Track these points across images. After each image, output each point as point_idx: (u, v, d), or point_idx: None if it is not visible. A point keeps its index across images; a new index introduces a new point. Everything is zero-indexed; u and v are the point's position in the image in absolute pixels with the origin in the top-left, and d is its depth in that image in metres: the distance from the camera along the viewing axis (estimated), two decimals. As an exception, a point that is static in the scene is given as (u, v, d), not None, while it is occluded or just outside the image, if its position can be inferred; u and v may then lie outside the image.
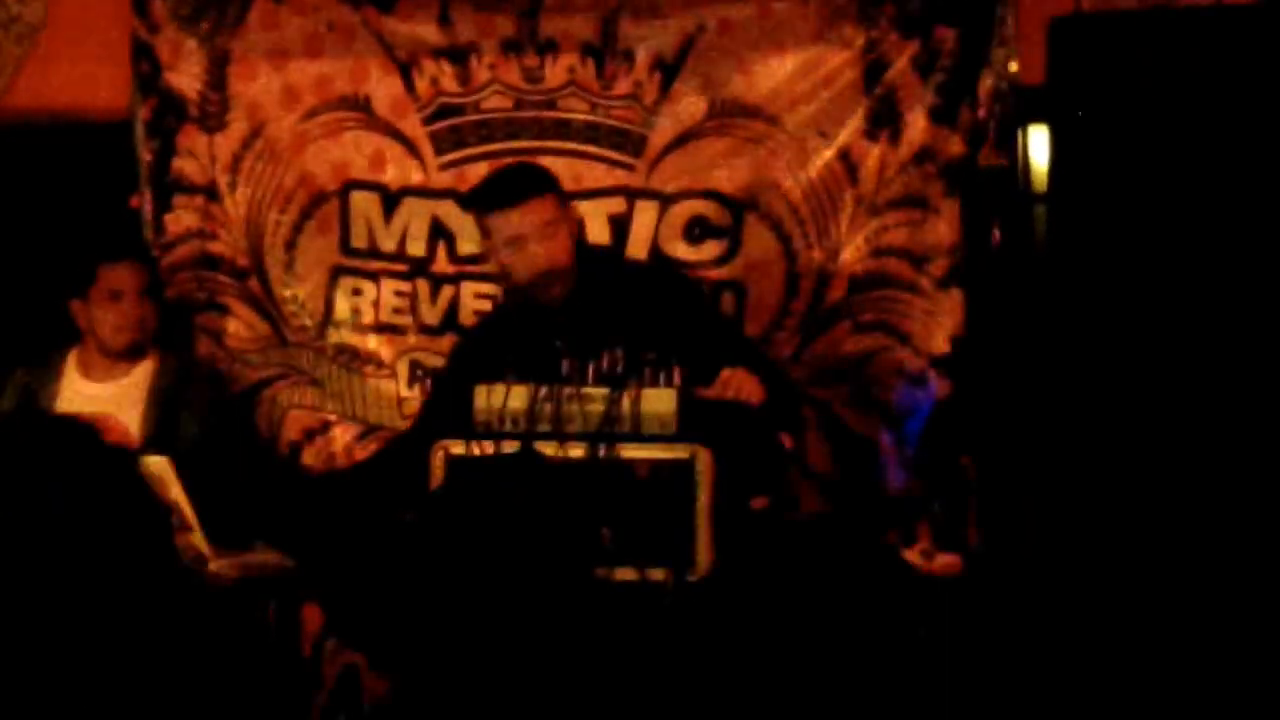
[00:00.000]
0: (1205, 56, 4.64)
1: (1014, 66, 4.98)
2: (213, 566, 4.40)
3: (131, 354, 4.93)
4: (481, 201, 4.55)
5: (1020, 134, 5.08)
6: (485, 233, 4.52)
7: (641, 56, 5.17)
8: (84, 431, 4.36)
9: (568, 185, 5.09)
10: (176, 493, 4.35)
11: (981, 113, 4.99)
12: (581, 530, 3.98)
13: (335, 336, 5.38)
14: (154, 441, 4.72)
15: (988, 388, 4.96)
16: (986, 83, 4.99)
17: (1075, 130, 4.82)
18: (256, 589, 4.60)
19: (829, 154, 5.06)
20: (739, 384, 4.18)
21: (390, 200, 5.34)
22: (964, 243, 5.00)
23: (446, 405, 4.41)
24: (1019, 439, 4.88)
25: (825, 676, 4.19)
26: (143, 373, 4.93)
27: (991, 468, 4.91)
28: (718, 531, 4.00)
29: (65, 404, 4.88)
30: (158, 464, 4.38)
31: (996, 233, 4.99)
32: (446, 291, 5.31)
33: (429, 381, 5.24)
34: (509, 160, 5.11)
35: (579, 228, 4.55)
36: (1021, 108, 5.01)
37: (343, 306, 5.38)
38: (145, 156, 5.45)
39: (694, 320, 4.47)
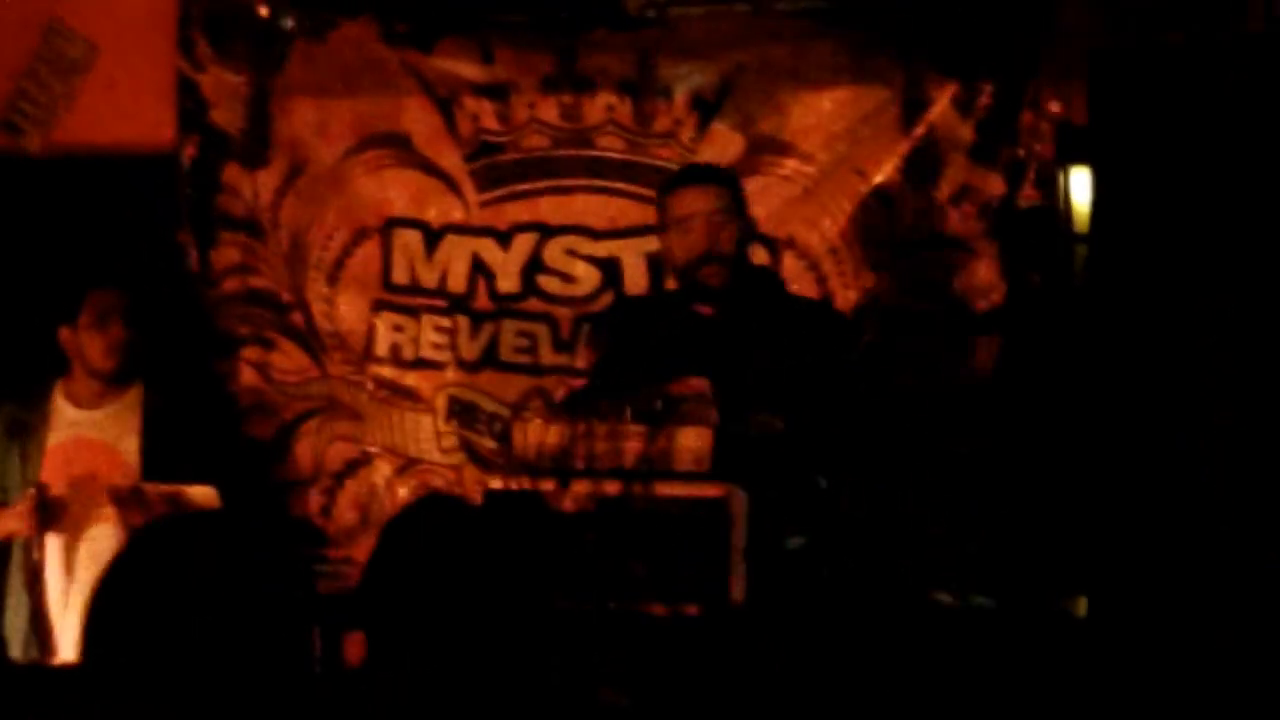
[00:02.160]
0: (1247, 89, 4.61)
1: (1055, 106, 4.97)
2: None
3: (118, 379, 4.91)
4: (666, 183, 4.58)
5: (1061, 174, 5.05)
6: (662, 216, 4.51)
7: (680, 94, 5.19)
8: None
9: (604, 224, 5.17)
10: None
11: (1021, 152, 4.98)
12: (615, 566, 3.98)
13: (375, 371, 5.41)
14: (152, 469, 4.77)
15: (1025, 428, 4.93)
16: (1027, 122, 4.98)
17: (1117, 169, 4.80)
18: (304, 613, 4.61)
19: (866, 192, 5.07)
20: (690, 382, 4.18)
21: (432, 237, 5.37)
22: (1003, 283, 4.98)
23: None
24: (1057, 479, 4.85)
25: (855, 715, 4.19)
26: (132, 400, 4.93)
27: (1028, 508, 4.88)
28: (751, 570, 3.98)
29: (57, 434, 4.89)
30: (204, 495, 4.42)
31: (1036, 273, 4.97)
32: (487, 328, 5.33)
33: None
34: (548, 198, 5.14)
35: (748, 234, 4.49)
36: (1063, 146, 4.98)
37: (383, 341, 5.41)
38: (189, 193, 5.50)
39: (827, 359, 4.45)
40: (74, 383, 4.96)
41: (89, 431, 4.85)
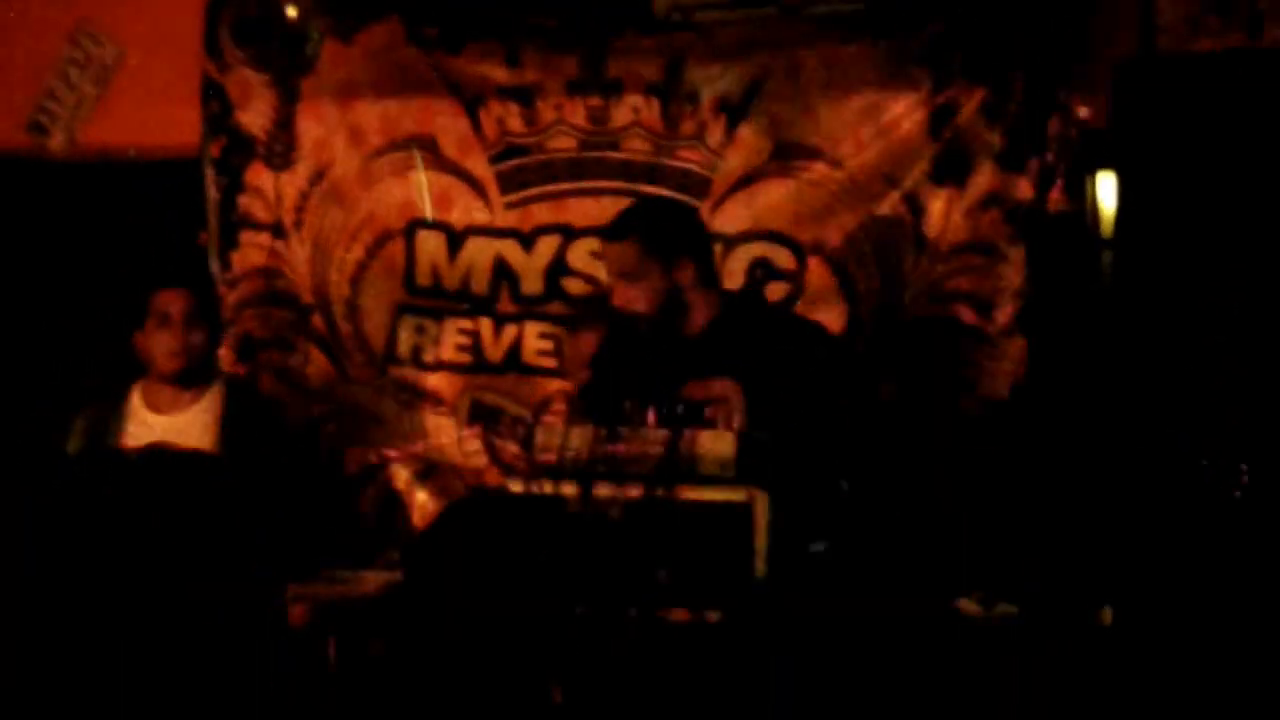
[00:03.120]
0: (1270, 98, 4.60)
1: (1083, 112, 4.94)
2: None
3: (188, 380, 4.91)
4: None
5: (1088, 180, 5.02)
6: None
7: (707, 98, 5.18)
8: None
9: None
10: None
11: (1050, 158, 4.95)
12: (638, 571, 3.96)
13: (397, 373, 5.40)
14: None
15: (1052, 434, 4.90)
16: (1054, 128, 4.95)
17: (1142, 175, 4.78)
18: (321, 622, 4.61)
19: (894, 197, 5.05)
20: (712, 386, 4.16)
21: (455, 239, 5.36)
22: (1030, 288, 4.96)
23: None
24: (1083, 485, 4.82)
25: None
26: (209, 403, 4.93)
27: (1054, 514, 4.85)
28: (774, 574, 3.96)
29: (132, 438, 4.88)
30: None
31: (1063, 279, 4.94)
32: (509, 331, 5.32)
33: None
34: (573, 200, 5.13)
35: (696, 273, 4.40)
36: (1090, 153, 4.96)
37: (405, 344, 5.40)
38: (213, 194, 5.51)
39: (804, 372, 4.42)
40: (151, 386, 4.96)
41: (164, 437, 4.83)
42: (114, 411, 4.94)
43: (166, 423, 4.90)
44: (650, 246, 4.39)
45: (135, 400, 4.96)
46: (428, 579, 4.11)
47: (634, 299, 4.41)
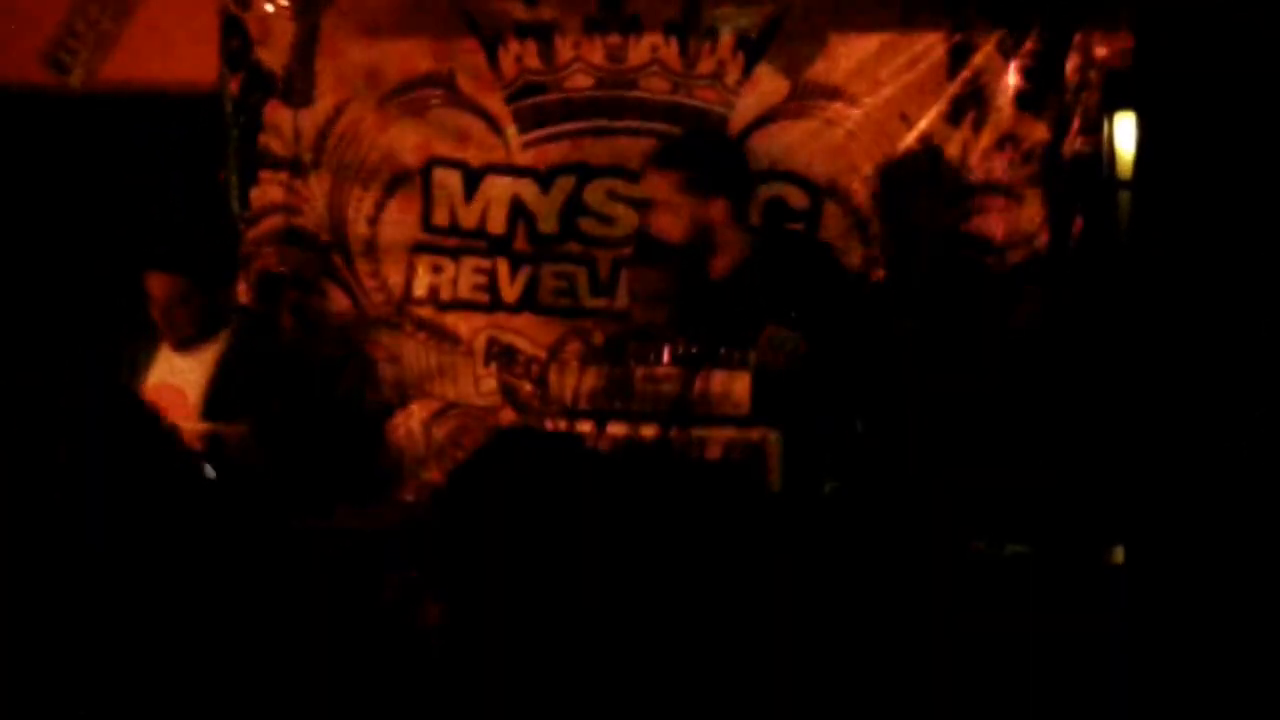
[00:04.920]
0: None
1: (1101, 52, 4.92)
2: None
3: (191, 341, 4.91)
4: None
5: (1106, 121, 5.01)
6: None
7: (725, 37, 5.16)
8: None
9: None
10: (257, 460, 4.39)
11: (1067, 99, 4.94)
12: (652, 508, 3.98)
13: (415, 312, 5.42)
14: (209, 412, 4.77)
15: (1070, 374, 4.90)
16: (1072, 69, 4.93)
17: (1163, 117, 4.76)
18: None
19: (911, 138, 5.04)
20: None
21: (472, 178, 5.36)
22: (1047, 229, 4.95)
23: None
24: (1098, 426, 4.82)
25: (894, 662, 4.19)
26: (217, 347, 4.95)
27: (1069, 455, 4.86)
28: (788, 514, 3.98)
29: (155, 376, 4.93)
30: (238, 434, 4.42)
31: (1080, 220, 4.94)
32: (525, 270, 5.33)
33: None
34: (590, 140, 5.14)
35: (729, 211, 4.47)
36: (1109, 93, 4.94)
37: (423, 283, 5.41)
38: (233, 131, 5.52)
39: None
40: None
41: (173, 378, 4.88)
42: (147, 347, 4.96)
43: (184, 363, 4.93)
44: (690, 180, 4.44)
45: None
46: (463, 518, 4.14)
47: (667, 228, 4.46)
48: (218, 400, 4.79)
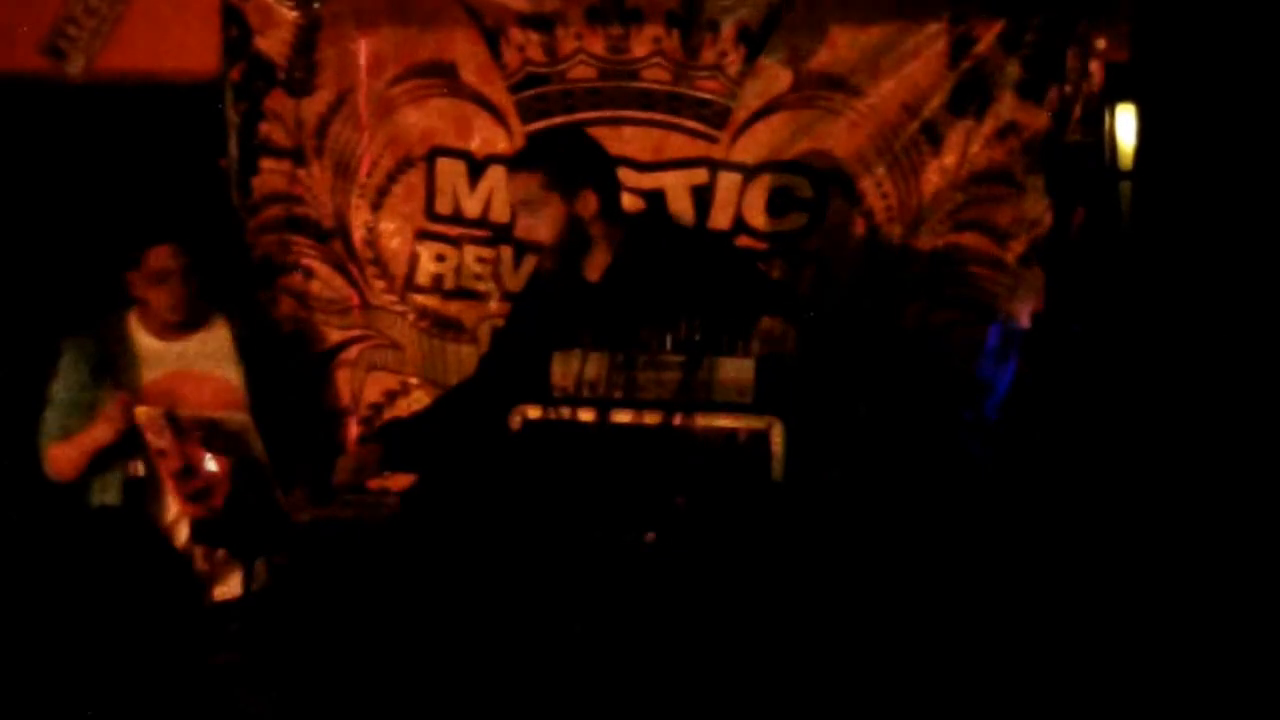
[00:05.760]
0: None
1: (1102, 43, 4.94)
2: (297, 518, 4.43)
3: (188, 326, 4.95)
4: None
5: (1107, 112, 5.03)
6: None
7: (727, 27, 5.17)
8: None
9: (648, 156, 5.15)
10: (258, 450, 4.38)
11: (1068, 89, 4.96)
12: (655, 497, 3.98)
13: (417, 301, 5.43)
14: (259, 399, 4.82)
15: (1070, 364, 4.92)
16: (1073, 59, 4.95)
17: (1162, 109, 4.78)
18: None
19: (913, 127, 5.05)
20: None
21: (475, 167, 5.37)
22: (1048, 218, 4.97)
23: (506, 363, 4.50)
24: (1100, 416, 4.84)
25: (898, 647, 4.20)
26: (219, 329, 4.97)
27: (1073, 441, 4.88)
28: (792, 502, 3.99)
29: (148, 367, 4.93)
30: (241, 421, 4.41)
31: (1081, 209, 4.96)
32: (529, 259, 5.32)
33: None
34: (593, 130, 5.11)
35: (599, 204, 4.48)
36: (1109, 84, 4.96)
37: (426, 271, 5.42)
38: (233, 119, 5.52)
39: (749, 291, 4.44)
40: (148, 316, 4.98)
41: (184, 364, 4.87)
42: (113, 342, 4.97)
43: (176, 350, 4.94)
44: (553, 177, 4.46)
45: (135, 328, 4.99)
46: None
47: (535, 228, 4.49)
48: (261, 388, 4.82)
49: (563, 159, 4.50)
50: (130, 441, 4.71)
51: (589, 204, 4.46)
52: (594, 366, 4.10)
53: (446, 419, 4.70)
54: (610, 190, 4.53)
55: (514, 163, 4.61)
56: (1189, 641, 4.51)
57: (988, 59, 5.00)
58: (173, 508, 4.72)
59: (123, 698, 3.85)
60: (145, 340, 4.97)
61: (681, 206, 5.19)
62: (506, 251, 5.35)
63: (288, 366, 5.27)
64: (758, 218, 5.16)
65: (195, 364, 4.92)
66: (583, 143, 4.66)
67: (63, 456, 4.88)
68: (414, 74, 5.39)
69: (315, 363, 5.47)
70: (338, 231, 5.47)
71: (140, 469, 4.77)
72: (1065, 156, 4.95)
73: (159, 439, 4.45)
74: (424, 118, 5.39)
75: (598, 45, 5.28)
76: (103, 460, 4.84)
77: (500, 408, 4.13)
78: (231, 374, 4.89)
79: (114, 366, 4.94)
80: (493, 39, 5.34)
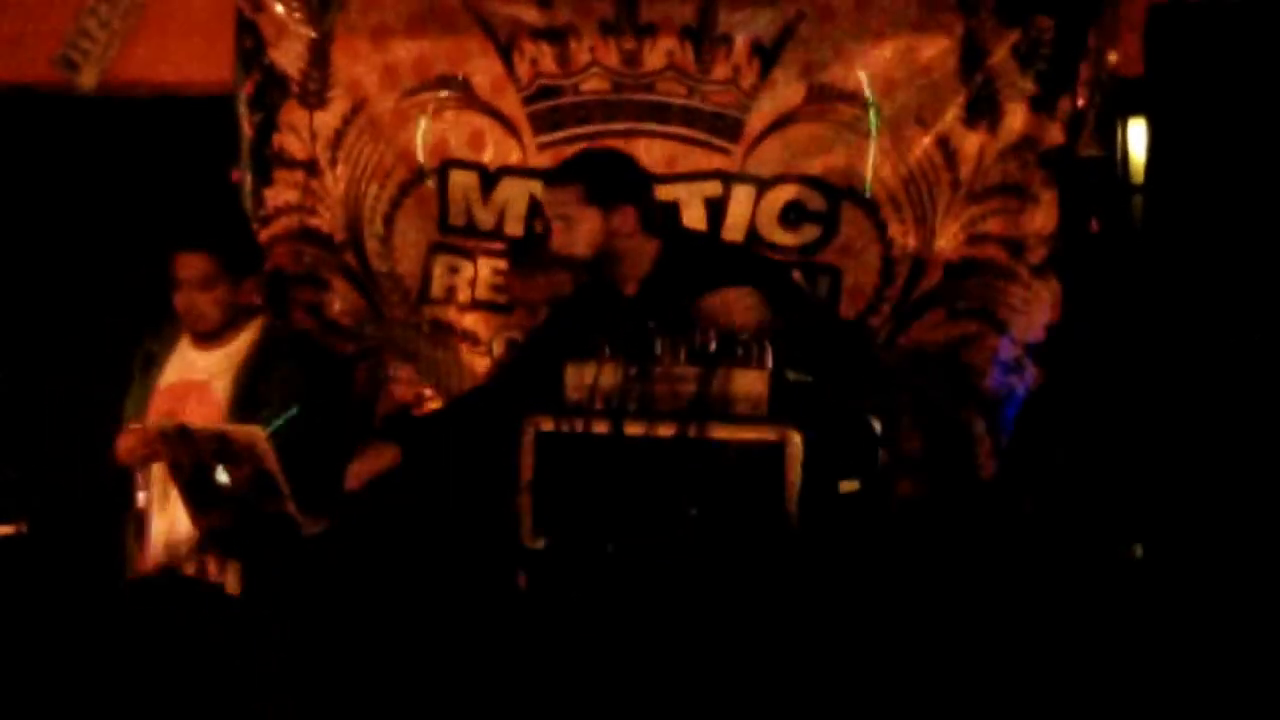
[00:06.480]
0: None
1: (1113, 57, 4.97)
2: (306, 531, 4.43)
3: (213, 335, 4.90)
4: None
5: (1119, 125, 5.05)
6: None
7: (740, 41, 5.19)
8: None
9: (663, 168, 5.15)
10: (270, 462, 4.38)
11: (1080, 102, 4.98)
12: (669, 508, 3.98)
13: (431, 313, 5.44)
14: (240, 410, 4.77)
15: (1084, 377, 4.93)
16: (1085, 73, 4.97)
17: (1174, 122, 4.79)
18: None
19: (927, 141, 5.07)
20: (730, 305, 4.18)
21: (489, 179, 5.38)
22: (1061, 231, 4.99)
23: (528, 372, 4.51)
24: (1115, 428, 4.85)
25: (917, 659, 4.21)
26: (242, 343, 4.94)
27: (1086, 456, 4.88)
28: (807, 514, 3.99)
29: (173, 372, 4.92)
30: (250, 434, 4.42)
31: (1094, 222, 4.97)
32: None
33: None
34: (607, 142, 5.15)
35: (637, 219, 4.49)
36: (1120, 98, 4.98)
37: (440, 283, 5.44)
38: (247, 131, 5.54)
39: (784, 302, 4.46)
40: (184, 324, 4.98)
41: (195, 374, 4.87)
42: (166, 343, 4.97)
43: (203, 360, 4.92)
44: (592, 191, 4.47)
45: (184, 334, 4.97)
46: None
47: (572, 242, 4.49)
48: (247, 399, 4.80)
49: (602, 174, 4.52)
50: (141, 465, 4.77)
51: (627, 219, 4.47)
52: (608, 377, 4.11)
53: (462, 422, 4.71)
54: (648, 205, 4.54)
55: (552, 177, 4.62)
56: (1206, 651, 4.52)
57: (1000, 72, 5.02)
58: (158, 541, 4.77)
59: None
60: (185, 348, 4.94)
61: (695, 218, 5.20)
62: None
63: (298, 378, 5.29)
64: (771, 230, 5.18)
65: (203, 374, 4.91)
66: (621, 158, 4.68)
67: (121, 446, 4.81)
68: (427, 86, 5.40)
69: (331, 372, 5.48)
70: (351, 243, 5.48)
71: (142, 500, 4.84)
72: (1078, 170, 4.97)
73: (172, 451, 4.46)
74: (437, 130, 5.40)
75: (611, 58, 5.29)
76: None
77: (518, 415, 4.14)
78: (221, 384, 4.87)
79: (154, 366, 4.94)
80: (506, 51, 5.35)
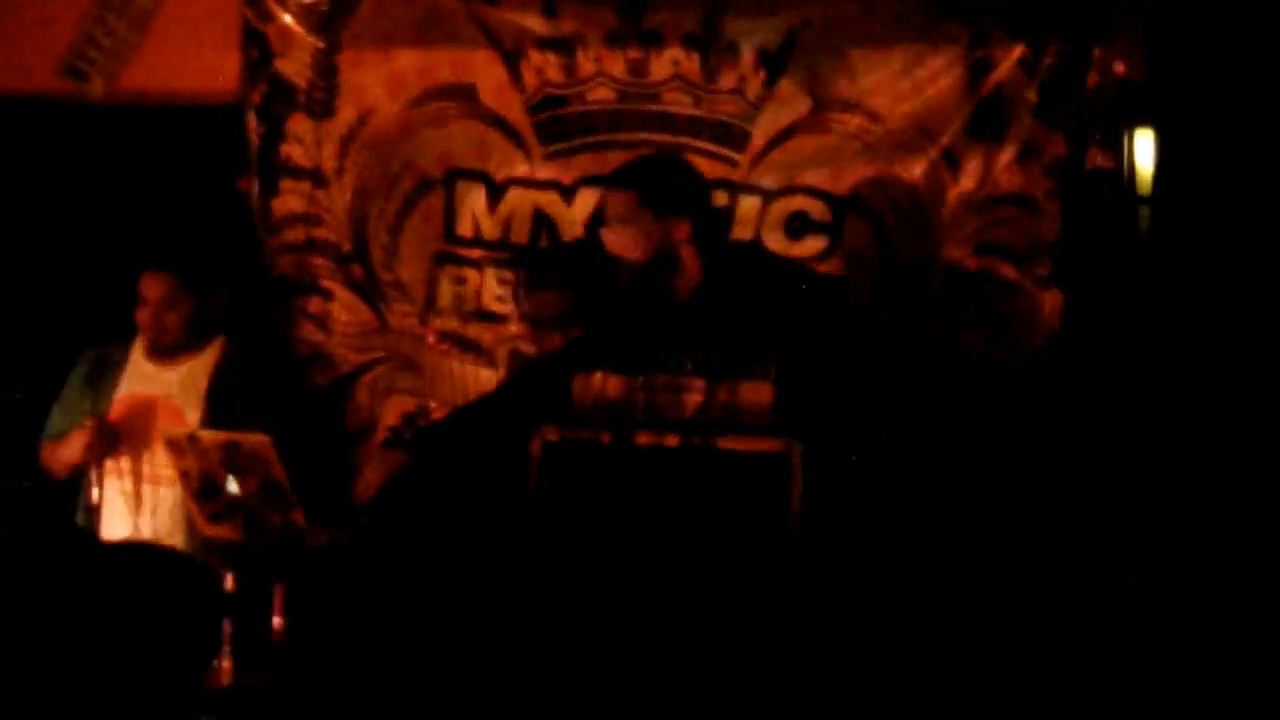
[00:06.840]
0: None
1: (1119, 67, 4.96)
2: (311, 542, 4.44)
3: (188, 346, 5.01)
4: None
5: (1126, 136, 5.04)
6: None
7: (746, 51, 5.19)
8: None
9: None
10: (277, 471, 4.39)
11: (1086, 113, 4.98)
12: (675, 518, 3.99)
13: (437, 323, 5.44)
14: (216, 420, 4.84)
15: (1090, 388, 4.93)
16: (1092, 84, 4.97)
17: (1181, 132, 4.79)
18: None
19: (932, 152, 5.07)
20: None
21: (495, 189, 5.38)
22: (1066, 242, 4.98)
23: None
24: (1119, 439, 4.85)
25: (917, 672, 4.21)
26: (207, 361, 5.01)
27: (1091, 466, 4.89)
28: (811, 525, 4.00)
29: (129, 383, 5.02)
30: (258, 443, 4.42)
31: (1100, 233, 4.97)
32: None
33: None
34: (612, 153, 5.16)
35: (692, 228, 4.49)
36: (1128, 109, 4.98)
37: (445, 293, 5.43)
38: (254, 141, 5.53)
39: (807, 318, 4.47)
40: (144, 338, 5.04)
41: (157, 389, 4.94)
42: (118, 354, 5.06)
43: (164, 374, 5.00)
44: (648, 197, 4.47)
45: (137, 347, 5.06)
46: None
47: (628, 246, 4.49)
48: (219, 418, 4.84)
49: (660, 180, 4.53)
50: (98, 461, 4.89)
51: (682, 226, 4.47)
52: (614, 388, 4.12)
53: (478, 425, 4.72)
54: (703, 215, 4.55)
55: (611, 180, 4.61)
56: (1203, 673, 4.52)
57: (1006, 84, 5.02)
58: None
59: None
60: (141, 361, 5.03)
61: (700, 229, 5.20)
62: (526, 274, 5.36)
63: (298, 391, 5.32)
64: (777, 241, 5.17)
65: (164, 391, 4.96)
66: (681, 166, 4.69)
67: (50, 456, 5.05)
68: (433, 96, 5.41)
69: (329, 386, 5.49)
70: (357, 254, 5.49)
71: (95, 496, 4.92)
72: (1084, 182, 4.97)
73: (181, 460, 4.47)
74: (443, 139, 5.41)
75: (617, 67, 5.30)
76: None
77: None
78: (194, 410, 4.93)
79: (106, 374, 5.02)
80: (512, 61, 5.36)
